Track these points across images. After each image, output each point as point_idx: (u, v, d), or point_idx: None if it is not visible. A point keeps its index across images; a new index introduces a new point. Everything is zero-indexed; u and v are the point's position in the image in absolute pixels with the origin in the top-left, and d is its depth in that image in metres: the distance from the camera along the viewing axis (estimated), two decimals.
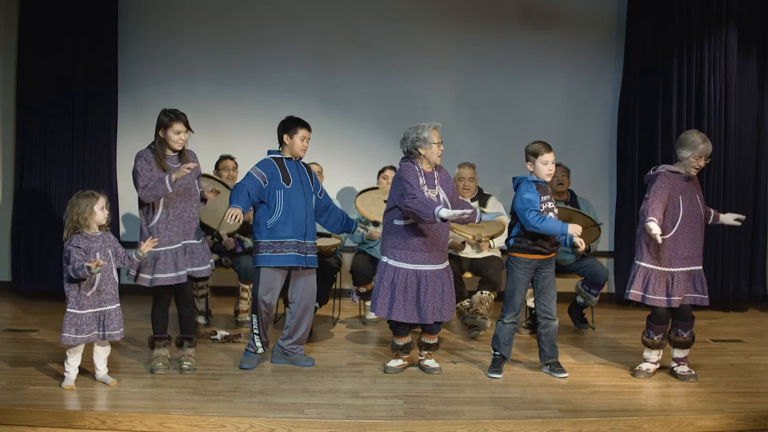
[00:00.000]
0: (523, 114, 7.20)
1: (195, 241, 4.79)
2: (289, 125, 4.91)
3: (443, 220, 4.46)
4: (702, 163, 4.72)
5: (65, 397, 4.27)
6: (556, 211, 4.79)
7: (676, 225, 4.71)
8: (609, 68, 7.27)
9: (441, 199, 4.73)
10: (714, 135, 6.88)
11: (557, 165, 6.14)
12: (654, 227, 4.54)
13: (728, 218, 5.00)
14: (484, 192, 6.24)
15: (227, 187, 5.88)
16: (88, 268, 4.21)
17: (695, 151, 4.69)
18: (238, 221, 4.64)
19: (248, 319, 6.03)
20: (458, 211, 4.47)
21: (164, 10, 7.10)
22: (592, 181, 7.09)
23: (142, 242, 4.51)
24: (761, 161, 7.07)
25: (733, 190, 6.96)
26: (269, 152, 4.99)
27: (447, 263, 4.83)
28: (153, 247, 4.57)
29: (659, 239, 4.58)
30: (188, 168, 4.54)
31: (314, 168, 5.80)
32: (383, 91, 7.21)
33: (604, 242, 7.14)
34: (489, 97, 7.25)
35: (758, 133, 7.07)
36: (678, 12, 6.90)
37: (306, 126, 4.92)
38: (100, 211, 4.38)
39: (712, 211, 5.02)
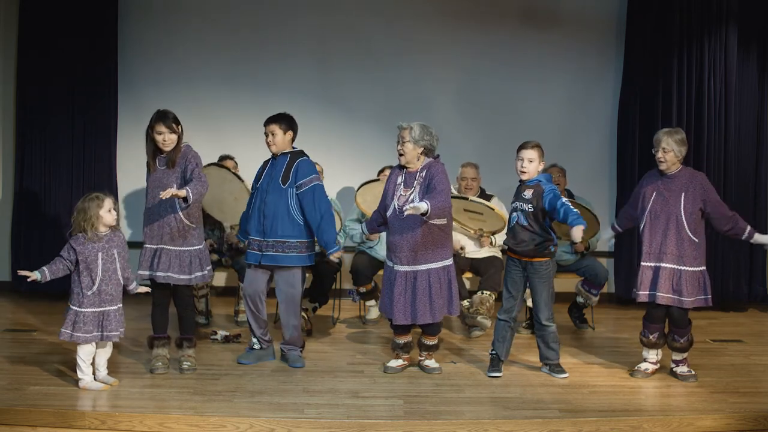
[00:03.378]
0: (523, 114, 7.19)
1: (171, 247, 4.69)
2: None
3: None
4: (660, 155, 4.76)
5: (65, 397, 4.26)
6: (521, 212, 4.71)
7: (643, 220, 4.81)
8: (609, 68, 7.27)
9: (410, 198, 4.68)
10: (714, 135, 6.89)
11: (552, 166, 6.17)
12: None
13: (764, 239, 4.77)
14: (487, 192, 6.24)
15: (238, 177, 5.89)
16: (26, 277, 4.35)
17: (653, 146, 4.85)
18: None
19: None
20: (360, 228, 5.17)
21: (164, 10, 7.10)
22: (592, 181, 7.09)
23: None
24: (761, 161, 7.08)
25: (733, 190, 6.96)
26: None
27: (428, 266, 4.68)
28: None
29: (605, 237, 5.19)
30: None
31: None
32: (383, 91, 7.22)
33: (604, 242, 7.12)
34: (489, 96, 7.25)
35: (758, 133, 7.07)
36: (678, 12, 6.90)
37: (265, 122, 4.94)
38: (107, 214, 4.39)
39: (746, 228, 4.74)
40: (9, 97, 7.07)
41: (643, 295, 4.79)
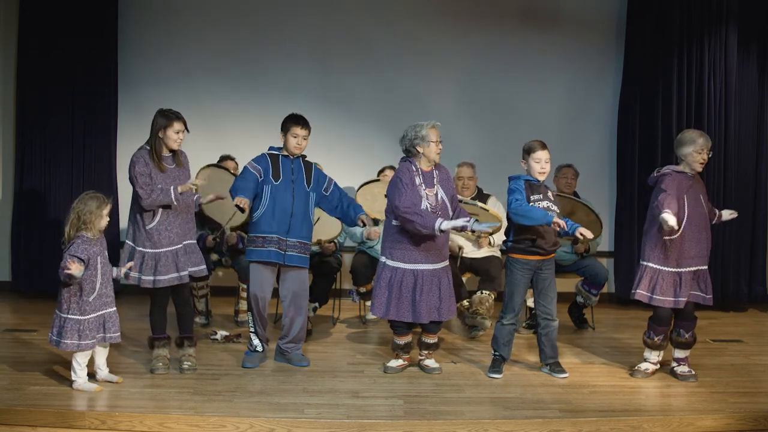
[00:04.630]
0: (523, 114, 7.20)
1: (192, 241, 4.80)
2: (285, 123, 4.93)
3: (443, 232, 4.56)
4: (705, 156, 4.73)
5: (65, 397, 4.27)
6: (556, 210, 4.77)
7: (683, 225, 4.68)
8: (609, 68, 7.28)
9: (439, 197, 4.73)
10: (714, 135, 6.87)
11: (568, 166, 6.16)
12: (669, 218, 4.47)
13: (725, 214, 4.99)
14: (484, 192, 6.24)
15: (235, 176, 5.87)
16: (69, 275, 4.24)
17: (695, 145, 4.71)
18: (245, 208, 4.69)
19: (247, 318, 6.05)
20: (458, 223, 4.55)
21: (164, 10, 7.11)
22: (592, 181, 7.08)
23: (123, 265, 4.55)
24: (761, 161, 7.08)
25: (733, 190, 6.96)
26: (270, 148, 5.01)
27: (446, 263, 4.82)
28: (154, 249, 4.63)
29: (675, 227, 4.49)
30: (195, 184, 4.58)
31: None
32: (383, 91, 7.22)
33: (604, 242, 7.14)
34: (489, 96, 7.25)
35: (758, 133, 7.07)
36: (678, 12, 6.90)
37: (299, 123, 4.89)
38: (105, 218, 4.40)
39: (716, 210, 5.00)
40: (9, 97, 7.07)
41: (668, 301, 4.70)
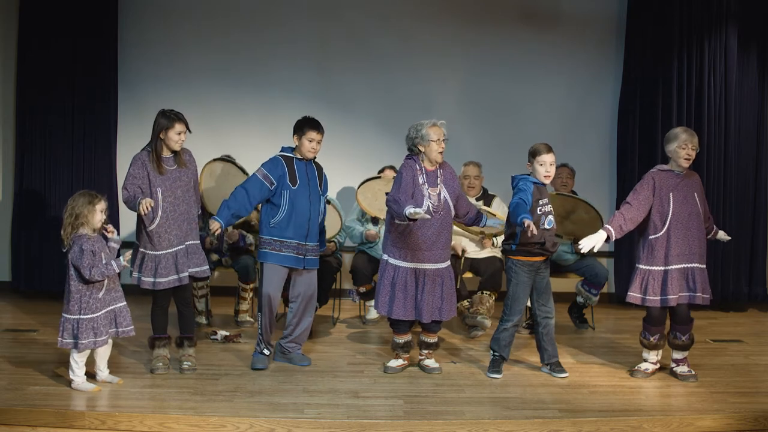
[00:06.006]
0: (524, 114, 7.20)
1: (195, 242, 4.80)
2: (300, 126, 4.94)
3: (410, 219, 4.39)
4: (690, 152, 4.70)
5: (65, 397, 4.27)
6: (552, 216, 4.75)
7: (667, 222, 4.70)
8: (609, 68, 7.28)
9: (442, 197, 4.72)
10: (714, 135, 6.89)
11: (563, 165, 6.17)
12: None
13: (720, 234, 5.02)
14: (489, 192, 6.23)
15: (244, 172, 5.83)
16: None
17: (678, 140, 4.70)
18: (216, 235, 4.69)
19: (248, 319, 6.07)
20: (420, 211, 4.36)
21: (164, 10, 7.10)
22: (592, 181, 7.09)
23: (123, 256, 4.49)
24: (761, 161, 7.08)
25: (733, 191, 6.96)
26: (282, 148, 5.00)
27: (447, 263, 4.82)
28: (154, 251, 4.65)
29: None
30: (148, 207, 4.52)
31: None
32: (384, 91, 7.22)
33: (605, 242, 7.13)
34: (490, 97, 7.25)
35: (758, 133, 7.07)
36: (678, 12, 6.90)
37: (315, 128, 4.91)
38: (99, 213, 4.39)
39: (714, 226, 4.99)
40: (9, 97, 7.07)
41: (655, 300, 4.72)
